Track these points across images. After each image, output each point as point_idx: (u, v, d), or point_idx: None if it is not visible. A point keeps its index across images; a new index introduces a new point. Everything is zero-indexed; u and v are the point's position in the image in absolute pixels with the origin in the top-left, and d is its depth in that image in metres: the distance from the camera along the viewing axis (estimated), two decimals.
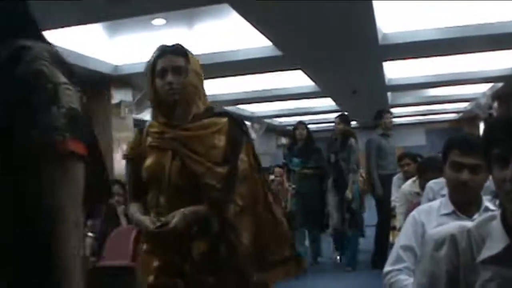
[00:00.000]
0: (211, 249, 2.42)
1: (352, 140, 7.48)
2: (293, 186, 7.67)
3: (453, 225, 1.57)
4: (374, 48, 8.28)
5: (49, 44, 1.28)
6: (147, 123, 2.64)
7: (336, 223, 7.37)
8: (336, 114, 8.42)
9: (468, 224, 1.54)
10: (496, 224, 1.46)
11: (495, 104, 13.47)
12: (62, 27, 6.49)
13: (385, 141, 7.75)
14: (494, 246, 1.42)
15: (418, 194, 5.21)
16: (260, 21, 6.83)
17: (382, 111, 8.26)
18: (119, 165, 8.39)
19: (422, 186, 4.76)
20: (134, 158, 2.64)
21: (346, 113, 8.95)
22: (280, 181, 8.33)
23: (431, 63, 10.52)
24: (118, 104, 9.56)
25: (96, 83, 9.05)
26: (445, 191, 2.86)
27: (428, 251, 1.55)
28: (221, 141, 2.47)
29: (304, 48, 8.32)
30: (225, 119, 2.54)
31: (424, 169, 5.14)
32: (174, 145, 2.46)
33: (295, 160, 7.72)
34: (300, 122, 8.12)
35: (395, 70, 11.38)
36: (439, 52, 9.21)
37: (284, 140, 21.35)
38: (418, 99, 16.22)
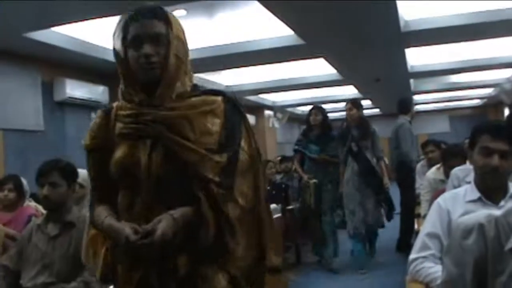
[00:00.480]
0: (202, 263, 1.92)
1: (374, 127, 7.17)
2: (315, 180, 6.98)
3: (481, 214, 1.56)
4: (397, 35, 8.23)
5: None
6: (115, 104, 2.10)
7: (358, 222, 6.74)
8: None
9: (496, 212, 1.53)
10: None
11: None
12: (85, 20, 6.54)
13: (411, 127, 7.64)
14: None
15: (442, 181, 5.20)
16: (281, 10, 6.81)
17: (410, 99, 8.21)
18: None
19: (447, 173, 4.76)
20: (97, 150, 2.08)
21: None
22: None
23: (454, 49, 10.42)
24: None
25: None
26: (470, 178, 2.85)
27: (456, 240, 1.55)
28: (214, 125, 1.96)
29: (326, 36, 8.28)
30: (219, 98, 2.02)
31: (448, 156, 5.14)
32: (156, 129, 1.91)
33: (314, 147, 7.19)
34: (315, 107, 7.54)
35: (418, 57, 11.31)
36: (462, 38, 9.12)
37: None
38: (441, 86, 16.04)
